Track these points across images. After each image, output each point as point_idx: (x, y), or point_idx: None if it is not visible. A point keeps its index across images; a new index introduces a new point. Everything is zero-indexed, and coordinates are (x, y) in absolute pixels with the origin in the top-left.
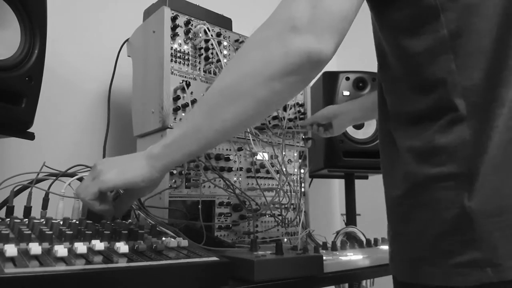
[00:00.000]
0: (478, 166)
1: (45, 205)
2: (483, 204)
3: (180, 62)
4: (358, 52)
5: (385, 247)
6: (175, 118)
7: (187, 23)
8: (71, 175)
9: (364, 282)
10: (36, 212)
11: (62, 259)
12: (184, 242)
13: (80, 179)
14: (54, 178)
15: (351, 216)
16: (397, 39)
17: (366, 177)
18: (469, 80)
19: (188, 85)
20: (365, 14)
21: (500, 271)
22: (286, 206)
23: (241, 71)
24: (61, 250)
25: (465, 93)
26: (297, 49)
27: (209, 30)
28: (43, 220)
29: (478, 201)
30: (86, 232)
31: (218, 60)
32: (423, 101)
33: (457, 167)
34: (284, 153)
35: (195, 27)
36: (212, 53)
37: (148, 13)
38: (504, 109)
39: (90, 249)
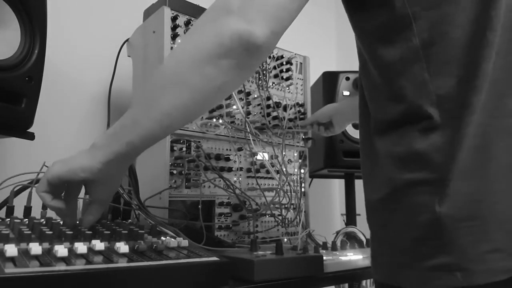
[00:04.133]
0: (449, 173)
1: (45, 205)
2: (453, 210)
3: None
4: None
5: None
6: None
7: (187, 23)
8: None
9: (364, 282)
10: (36, 212)
11: (62, 259)
12: (184, 242)
13: None
14: None
15: (351, 216)
16: (373, 48)
17: None
18: (442, 88)
19: None
20: None
21: (468, 275)
22: (286, 206)
23: (175, 58)
24: (61, 250)
25: (439, 102)
26: (227, 30)
27: None
28: (43, 220)
29: (448, 206)
30: (86, 232)
31: None
32: (399, 109)
33: (430, 173)
34: (284, 153)
35: None
36: None
37: (148, 13)
38: (474, 116)
39: (90, 249)
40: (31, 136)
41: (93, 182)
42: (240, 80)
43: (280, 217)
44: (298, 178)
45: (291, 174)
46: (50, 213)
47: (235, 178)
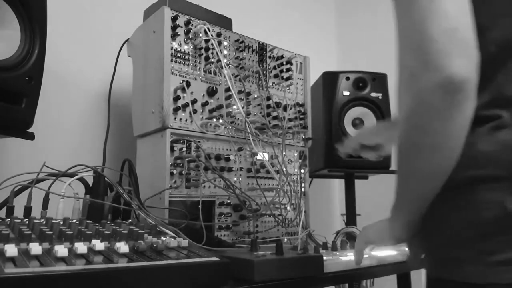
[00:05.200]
0: None
1: (45, 205)
2: None
3: (180, 62)
4: (358, 52)
5: (385, 248)
6: (175, 118)
7: (187, 23)
8: (71, 175)
9: (364, 282)
10: (36, 212)
11: (62, 259)
12: (184, 242)
13: (80, 179)
14: (54, 178)
15: (351, 216)
16: None
17: (366, 177)
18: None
19: (188, 85)
20: (367, 15)
21: None
22: (286, 206)
23: (401, 129)
24: (61, 250)
25: (509, 103)
26: (425, 89)
27: (209, 30)
28: (43, 220)
29: None
30: (86, 232)
31: (218, 60)
32: None
33: (500, 171)
34: (284, 153)
35: (195, 27)
36: (212, 53)
37: (148, 13)
38: None
39: (90, 249)
40: (31, 136)
41: (404, 243)
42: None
43: (280, 217)
44: (298, 178)
45: (291, 174)
46: (50, 213)
47: (235, 178)
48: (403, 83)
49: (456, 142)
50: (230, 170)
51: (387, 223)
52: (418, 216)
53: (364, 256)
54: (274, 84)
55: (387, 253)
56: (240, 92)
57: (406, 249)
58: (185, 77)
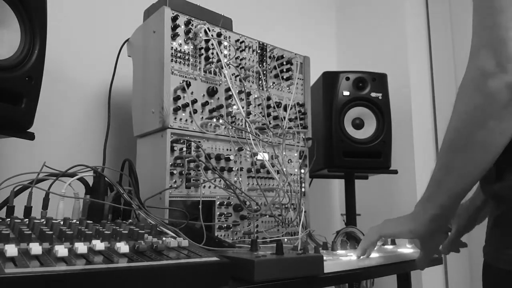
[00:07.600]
0: None
1: (45, 205)
2: None
3: (180, 62)
4: (358, 52)
5: (385, 247)
6: (175, 118)
7: (187, 23)
8: (71, 175)
9: (364, 282)
10: (36, 212)
11: (62, 259)
12: (184, 242)
13: (80, 179)
14: (54, 178)
15: (351, 216)
16: None
17: (366, 177)
18: None
19: (189, 85)
20: (367, 15)
21: None
22: (286, 206)
23: (456, 126)
24: (61, 250)
25: None
26: (495, 89)
27: (209, 30)
28: (43, 220)
29: None
30: (87, 232)
31: (218, 60)
32: None
33: None
34: (284, 153)
35: (195, 27)
36: (212, 53)
37: (148, 13)
38: None
39: (90, 249)
40: (31, 136)
41: (419, 239)
42: None
43: (280, 217)
44: (298, 178)
45: (291, 174)
46: (50, 213)
47: (235, 178)
48: (473, 80)
49: (504, 141)
50: (230, 170)
51: (410, 216)
52: (445, 212)
53: (364, 256)
54: (274, 84)
55: (387, 253)
56: (240, 92)
57: (417, 249)
58: (185, 77)
